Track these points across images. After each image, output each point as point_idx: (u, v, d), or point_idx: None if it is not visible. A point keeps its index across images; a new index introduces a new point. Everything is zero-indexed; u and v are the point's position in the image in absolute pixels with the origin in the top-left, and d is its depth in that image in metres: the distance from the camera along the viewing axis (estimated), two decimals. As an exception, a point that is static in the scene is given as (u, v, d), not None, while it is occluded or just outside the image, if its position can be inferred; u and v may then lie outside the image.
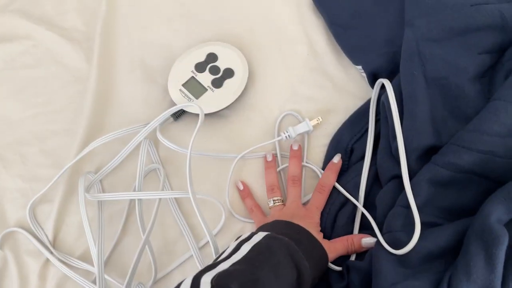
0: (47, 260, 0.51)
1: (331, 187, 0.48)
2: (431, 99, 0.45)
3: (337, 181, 0.49)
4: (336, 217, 0.48)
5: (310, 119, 0.51)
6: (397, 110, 0.45)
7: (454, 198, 0.42)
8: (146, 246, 0.47)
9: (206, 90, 0.52)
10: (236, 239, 0.41)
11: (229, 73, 0.53)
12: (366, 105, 0.52)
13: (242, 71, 0.53)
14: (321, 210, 0.48)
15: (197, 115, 0.48)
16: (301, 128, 0.50)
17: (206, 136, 0.53)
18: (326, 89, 0.54)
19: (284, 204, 0.49)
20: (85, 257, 0.51)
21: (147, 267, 0.49)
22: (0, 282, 0.51)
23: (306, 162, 0.51)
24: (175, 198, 0.51)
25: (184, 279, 0.33)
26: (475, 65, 0.44)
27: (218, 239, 0.49)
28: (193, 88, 0.52)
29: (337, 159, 0.49)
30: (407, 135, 0.44)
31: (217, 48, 0.54)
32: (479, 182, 0.41)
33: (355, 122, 0.51)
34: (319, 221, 0.47)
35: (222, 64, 0.53)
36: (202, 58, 0.54)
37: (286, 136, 0.50)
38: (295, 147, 0.50)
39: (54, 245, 0.52)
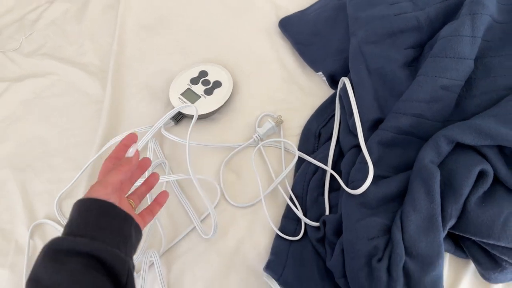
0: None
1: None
2: (374, 84, 0.58)
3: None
4: (309, 183, 0.58)
5: (280, 118, 0.64)
6: (353, 96, 0.59)
7: (399, 157, 0.54)
8: (157, 221, 0.57)
9: (200, 97, 0.65)
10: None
11: (217, 84, 0.67)
12: (328, 101, 0.65)
13: (228, 82, 0.67)
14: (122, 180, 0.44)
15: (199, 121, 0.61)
16: (266, 128, 0.62)
17: (201, 135, 0.65)
18: (296, 93, 0.68)
19: None
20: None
21: (159, 240, 0.58)
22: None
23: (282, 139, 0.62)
24: (178, 183, 0.62)
25: None
26: (403, 57, 0.58)
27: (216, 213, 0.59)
28: (189, 96, 0.65)
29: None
30: (359, 112, 0.57)
31: (207, 66, 0.69)
32: (416, 143, 0.53)
33: (321, 113, 0.64)
34: (121, 189, 0.45)
35: (211, 77, 0.67)
36: (195, 74, 0.68)
37: (255, 137, 0.62)
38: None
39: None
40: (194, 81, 0.67)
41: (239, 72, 0.70)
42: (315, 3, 0.74)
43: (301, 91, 0.68)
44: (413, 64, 0.58)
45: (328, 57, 0.66)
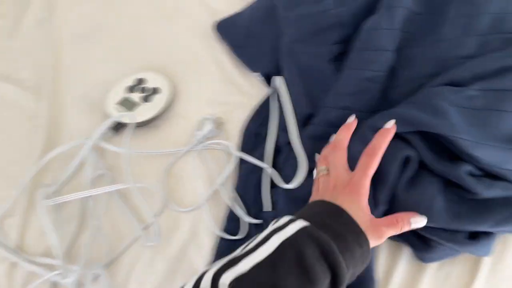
0: (14, 263, 0.58)
1: (379, 150, 0.45)
2: (304, 81, 0.60)
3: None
4: (246, 181, 0.59)
5: (220, 120, 0.65)
6: (286, 93, 0.60)
7: None
8: (100, 233, 0.57)
9: (139, 104, 0.65)
10: (273, 223, 0.39)
11: (157, 90, 0.67)
12: (264, 101, 0.66)
13: (168, 88, 0.67)
14: (371, 174, 0.44)
15: (135, 127, 0.61)
16: (205, 130, 0.63)
17: (143, 142, 0.65)
18: (235, 95, 0.69)
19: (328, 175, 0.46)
20: (48, 255, 0.59)
21: (104, 252, 0.57)
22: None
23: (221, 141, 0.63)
24: (121, 193, 0.61)
25: (205, 272, 0.33)
26: (329, 52, 0.60)
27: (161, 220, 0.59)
28: (127, 104, 0.65)
29: (391, 124, 0.47)
30: (293, 108, 0.59)
31: (145, 74, 0.69)
32: None
33: (258, 113, 0.65)
34: (367, 186, 0.44)
35: (150, 84, 0.67)
36: (133, 82, 0.67)
37: (197, 139, 0.63)
38: (350, 119, 0.51)
39: (20, 249, 0.59)
40: (131, 89, 0.67)
41: (178, 77, 0.71)
42: (250, 5, 0.75)
43: (241, 92, 0.69)
44: (339, 59, 0.60)
45: (264, 57, 0.67)
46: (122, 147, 0.60)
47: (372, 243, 0.40)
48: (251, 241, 0.37)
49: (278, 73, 0.65)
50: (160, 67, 0.71)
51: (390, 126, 0.46)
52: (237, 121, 0.66)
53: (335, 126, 0.55)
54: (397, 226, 0.43)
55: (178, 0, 0.78)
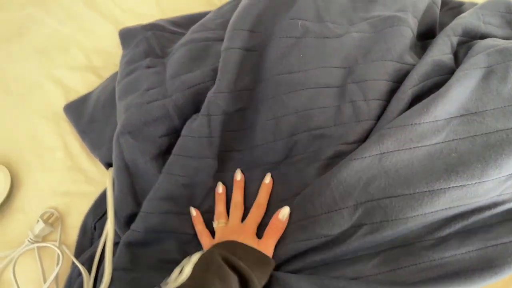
0: None
1: (265, 203, 0.54)
2: (129, 177, 0.57)
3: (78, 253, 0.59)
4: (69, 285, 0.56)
5: (50, 217, 0.62)
6: (110, 190, 0.58)
7: (157, 253, 0.53)
8: None
9: (-31, 204, 0.62)
10: None
11: (-9, 186, 0.63)
12: (105, 191, 0.63)
13: (4, 181, 0.64)
14: (258, 222, 0.53)
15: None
16: (38, 229, 0.60)
17: (-24, 243, 0.62)
18: (80, 183, 0.66)
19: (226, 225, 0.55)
20: None
21: None
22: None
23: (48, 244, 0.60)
24: None
25: None
26: (157, 147, 0.58)
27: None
28: (-44, 205, 0.62)
29: (267, 179, 0.55)
30: (116, 206, 0.56)
31: (-20, 167, 0.65)
32: (170, 237, 0.53)
33: (98, 204, 0.63)
34: (255, 230, 0.52)
35: (-16, 179, 0.64)
36: (-34, 178, 0.64)
37: (29, 240, 0.60)
38: (238, 178, 0.56)
39: None
40: (-37, 186, 0.63)
41: (21, 166, 0.67)
42: (100, 84, 0.72)
43: (87, 179, 0.66)
44: (169, 152, 0.58)
45: (104, 144, 0.64)
46: None
47: (269, 254, 0.49)
48: None
49: (119, 162, 0.63)
50: (2, 156, 0.68)
51: (268, 181, 0.54)
52: (80, 213, 0.63)
53: (158, 231, 0.53)
54: (275, 232, 0.50)
55: (32, 80, 0.74)
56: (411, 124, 0.46)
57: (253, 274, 0.45)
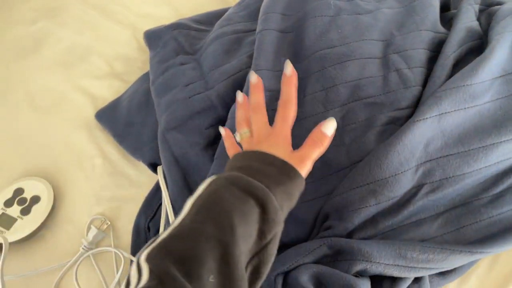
0: None
1: (292, 99, 0.47)
2: (181, 171, 0.58)
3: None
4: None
5: (106, 221, 0.62)
6: (165, 185, 0.58)
7: None
8: None
9: (16, 220, 0.61)
10: None
11: (35, 199, 0.63)
12: (153, 189, 0.64)
13: (47, 194, 0.63)
14: (290, 124, 0.46)
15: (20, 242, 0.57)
16: (91, 236, 0.60)
17: (27, 260, 0.60)
18: (125, 187, 0.66)
19: (252, 136, 0.47)
20: None
21: None
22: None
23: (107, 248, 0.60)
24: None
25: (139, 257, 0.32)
26: (205, 138, 0.58)
27: None
28: (4, 222, 0.61)
29: (288, 70, 0.48)
30: (173, 201, 0.57)
31: (22, 182, 0.64)
32: None
33: (148, 205, 0.63)
34: (288, 133, 0.46)
35: (28, 194, 0.63)
36: (9, 195, 0.63)
37: (82, 248, 0.60)
38: (253, 80, 0.50)
39: None
40: (8, 203, 0.62)
41: (62, 178, 0.67)
42: (129, 88, 0.72)
43: (130, 182, 0.66)
44: (217, 142, 0.59)
45: (145, 145, 0.65)
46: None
47: (299, 167, 0.41)
48: None
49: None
50: (41, 169, 0.67)
51: (290, 72, 0.47)
52: (128, 215, 0.63)
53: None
54: (315, 143, 0.43)
55: (58, 92, 0.74)
56: (464, 86, 0.48)
57: (271, 195, 0.36)
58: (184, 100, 0.60)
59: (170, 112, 0.60)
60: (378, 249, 0.45)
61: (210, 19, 0.74)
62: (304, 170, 0.42)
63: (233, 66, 0.60)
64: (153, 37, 0.70)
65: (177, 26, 0.70)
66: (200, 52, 0.66)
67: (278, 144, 0.43)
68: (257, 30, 0.59)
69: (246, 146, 0.47)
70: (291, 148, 0.44)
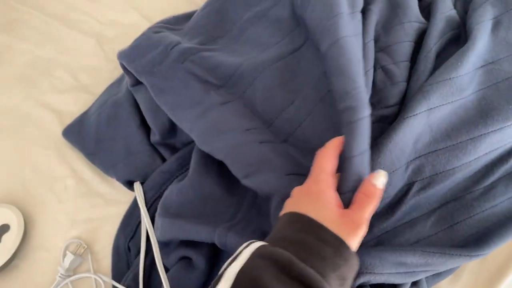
0: None
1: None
2: None
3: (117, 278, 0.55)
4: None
5: (79, 247, 0.58)
6: (144, 206, 0.55)
7: None
8: None
9: (-15, 252, 0.56)
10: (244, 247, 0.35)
11: (4, 228, 0.58)
12: (131, 207, 0.60)
13: (17, 221, 0.59)
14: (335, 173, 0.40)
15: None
16: (67, 263, 0.56)
17: (0, 292, 0.56)
18: (100, 207, 0.62)
19: None
20: None
21: None
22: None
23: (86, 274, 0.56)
24: None
25: None
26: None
27: None
28: (-29, 256, 0.56)
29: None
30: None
31: (-11, 212, 0.60)
32: None
33: (127, 223, 0.59)
34: (335, 186, 0.39)
35: (-5, 223, 0.59)
36: (-25, 226, 0.59)
37: (60, 276, 0.56)
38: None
39: None
40: (-26, 235, 0.58)
41: (31, 202, 0.62)
42: (96, 101, 0.68)
43: (106, 202, 0.62)
44: None
45: (118, 162, 0.61)
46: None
47: (354, 236, 0.36)
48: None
49: (138, 176, 0.60)
50: (7, 196, 0.63)
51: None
52: (107, 238, 0.59)
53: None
54: (368, 200, 0.38)
55: (21, 111, 0.69)
56: (450, 79, 0.46)
57: (324, 281, 0.32)
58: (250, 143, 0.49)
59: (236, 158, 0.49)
60: (381, 259, 0.43)
61: (180, 22, 0.70)
62: (358, 239, 0.37)
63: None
64: (133, 55, 0.58)
65: (183, 58, 0.56)
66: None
67: (316, 199, 0.37)
68: None
69: (295, 192, 0.40)
70: (336, 203, 0.38)
